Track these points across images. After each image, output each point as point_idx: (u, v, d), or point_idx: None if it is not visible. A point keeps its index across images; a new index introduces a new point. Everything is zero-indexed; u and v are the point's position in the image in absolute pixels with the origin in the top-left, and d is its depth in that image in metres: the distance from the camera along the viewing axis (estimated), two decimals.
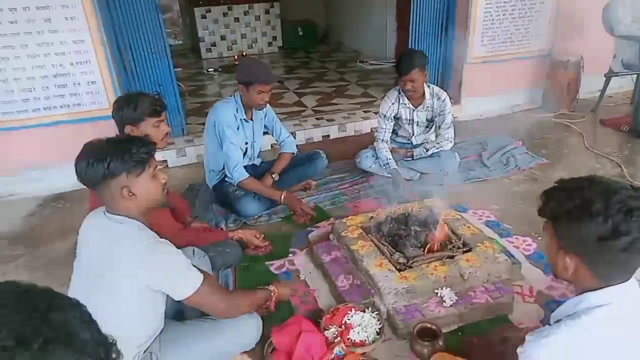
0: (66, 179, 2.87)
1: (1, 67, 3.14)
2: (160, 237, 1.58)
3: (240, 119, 2.85)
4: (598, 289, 1.08)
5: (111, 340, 0.71)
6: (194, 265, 1.63)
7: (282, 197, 2.82)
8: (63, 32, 3.17)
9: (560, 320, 1.12)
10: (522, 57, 4.47)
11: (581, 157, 3.53)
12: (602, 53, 4.19)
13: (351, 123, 4.18)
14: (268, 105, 3.04)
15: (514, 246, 2.51)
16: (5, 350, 0.59)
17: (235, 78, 2.82)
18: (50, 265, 2.57)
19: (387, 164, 3.14)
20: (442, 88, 4.37)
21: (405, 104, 3.16)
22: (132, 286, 1.50)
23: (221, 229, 2.71)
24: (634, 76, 4.12)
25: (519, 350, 1.10)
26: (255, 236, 2.55)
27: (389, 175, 3.15)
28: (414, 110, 3.19)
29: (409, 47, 4.32)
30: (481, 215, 2.82)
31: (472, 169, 3.41)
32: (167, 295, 1.61)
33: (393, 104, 3.16)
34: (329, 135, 4.14)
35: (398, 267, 2.13)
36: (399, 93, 3.14)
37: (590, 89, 4.48)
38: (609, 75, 4.14)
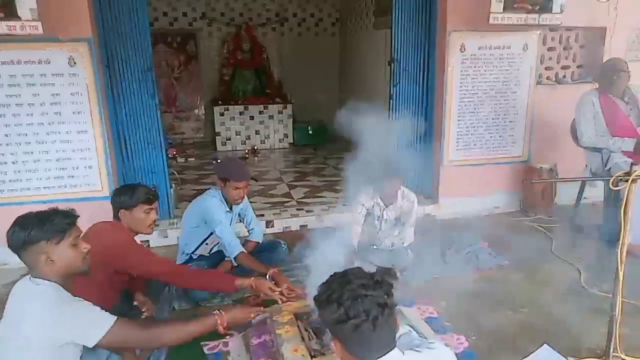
0: None
1: (14, 151, 3.63)
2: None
3: (225, 211, 3.12)
4: None
5: None
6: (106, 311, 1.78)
7: (270, 274, 2.81)
8: (70, 123, 3.67)
9: None
10: (498, 162, 4.67)
11: (542, 261, 3.56)
12: (577, 162, 4.34)
13: (329, 215, 4.39)
14: (246, 197, 3.32)
15: (445, 343, 2.52)
16: None
17: (216, 175, 3.15)
18: None
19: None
20: (420, 187, 4.65)
21: (378, 202, 3.38)
22: (39, 341, 1.65)
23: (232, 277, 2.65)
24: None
25: None
26: (270, 287, 2.57)
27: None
28: (384, 209, 3.39)
29: (388, 148, 4.62)
30: (424, 311, 2.87)
31: (431, 265, 3.48)
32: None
33: (370, 200, 3.38)
34: (306, 225, 4.35)
35: (312, 354, 2.21)
36: (374, 191, 3.38)
37: (573, 195, 4.57)
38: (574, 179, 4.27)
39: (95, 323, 1.72)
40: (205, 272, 2.63)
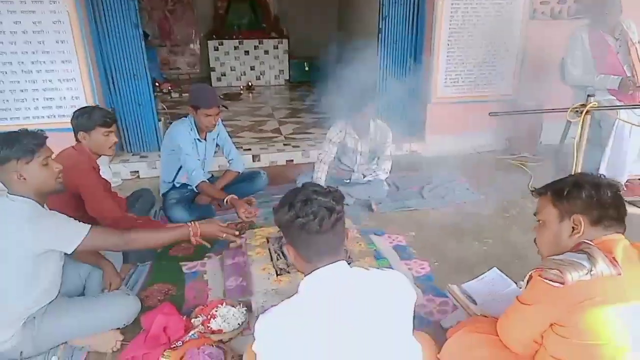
0: None
1: (0, 80, 3.68)
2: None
3: (194, 138, 3.18)
4: (307, 275, 1.32)
5: None
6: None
7: (227, 200, 3.02)
8: (54, 53, 3.69)
9: None
10: (486, 100, 4.64)
11: (517, 197, 3.65)
12: (566, 101, 4.30)
13: (315, 151, 4.46)
14: (221, 124, 3.39)
15: (408, 267, 2.69)
16: None
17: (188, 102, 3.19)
18: None
19: (315, 180, 3.33)
20: (407, 124, 4.68)
21: (350, 133, 3.43)
22: (18, 252, 1.81)
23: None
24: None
25: None
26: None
27: None
28: (358, 141, 3.45)
29: (379, 83, 4.62)
30: (393, 240, 3.01)
31: (408, 199, 3.60)
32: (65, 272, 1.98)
33: (340, 131, 3.43)
34: (292, 160, 4.44)
35: (278, 272, 2.37)
36: (346, 123, 3.43)
37: (559, 134, 4.58)
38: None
39: (73, 232, 1.87)
40: (145, 222, 2.66)
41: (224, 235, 2.25)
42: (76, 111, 2.57)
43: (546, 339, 1.44)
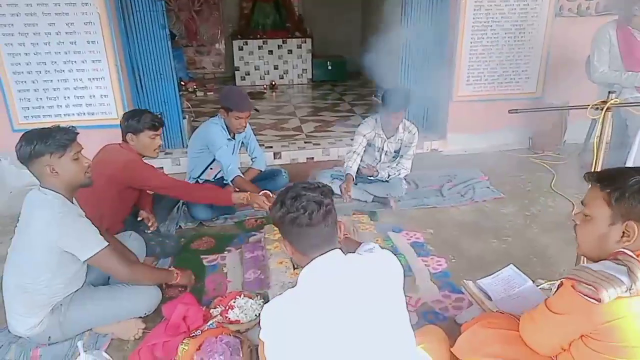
0: None
1: (35, 79, 3.84)
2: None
3: (226, 138, 3.26)
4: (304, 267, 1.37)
5: None
6: (102, 236, 2.03)
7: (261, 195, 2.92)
8: (85, 53, 3.83)
9: None
10: (510, 99, 4.58)
11: (539, 195, 3.61)
12: (590, 100, 4.21)
13: (335, 149, 4.51)
14: (248, 124, 3.44)
15: (425, 264, 2.69)
16: None
17: (219, 103, 3.25)
18: None
19: (346, 168, 3.41)
20: (428, 123, 4.67)
21: (379, 133, 3.45)
22: (44, 244, 1.91)
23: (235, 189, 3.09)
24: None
25: None
26: (263, 200, 2.73)
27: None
28: (385, 141, 3.46)
29: (401, 81, 4.61)
30: (411, 237, 3.02)
31: (427, 196, 3.59)
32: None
33: (372, 130, 3.45)
34: (313, 158, 4.49)
35: (294, 266, 2.41)
36: (376, 122, 3.45)
37: (584, 133, 4.50)
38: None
39: (90, 242, 1.96)
40: (205, 186, 2.83)
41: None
42: (126, 114, 2.73)
43: (575, 348, 1.40)
